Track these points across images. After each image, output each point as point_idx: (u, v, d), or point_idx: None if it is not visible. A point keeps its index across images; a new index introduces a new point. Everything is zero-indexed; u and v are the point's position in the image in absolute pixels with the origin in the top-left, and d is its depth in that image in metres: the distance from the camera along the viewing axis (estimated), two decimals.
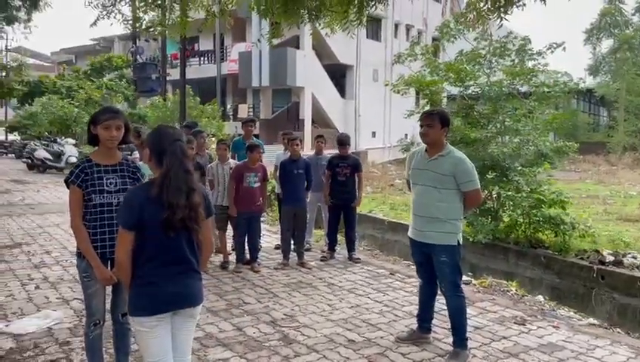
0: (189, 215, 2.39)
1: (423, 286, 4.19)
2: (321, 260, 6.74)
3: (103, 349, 3.29)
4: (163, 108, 18.86)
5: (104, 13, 5.18)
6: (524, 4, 4.70)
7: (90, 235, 3.01)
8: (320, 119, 26.37)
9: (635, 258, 7.47)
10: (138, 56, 18.44)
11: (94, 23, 5.33)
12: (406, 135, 29.29)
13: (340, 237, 7.27)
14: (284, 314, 4.74)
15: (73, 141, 20.32)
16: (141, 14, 6.21)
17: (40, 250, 7.02)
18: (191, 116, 16.66)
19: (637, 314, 6.82)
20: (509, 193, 8.49)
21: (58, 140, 20.27)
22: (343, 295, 5.34)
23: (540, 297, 6.02)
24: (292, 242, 6.63)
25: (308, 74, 24.37)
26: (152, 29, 7.46)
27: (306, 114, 25.18)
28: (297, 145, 6.57)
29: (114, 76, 29.40)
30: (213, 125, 17.79)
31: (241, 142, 7.43)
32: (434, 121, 3.87)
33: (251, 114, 26.98)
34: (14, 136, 28.99)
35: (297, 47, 24.43)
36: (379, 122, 28.42)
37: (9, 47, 35.68)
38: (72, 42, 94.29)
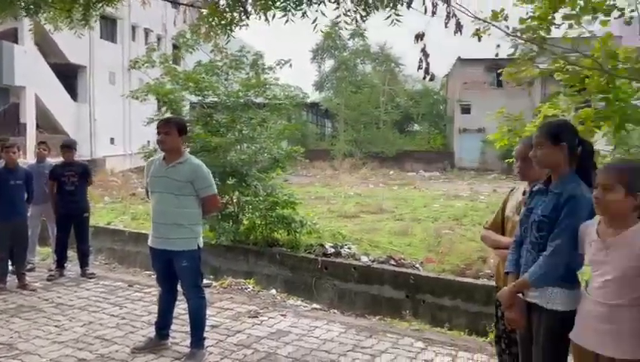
0: None
1: (163, 294, 4.19)
2: (48, 279, 6.09)
3: None
4: None
5: None
6: (247, 25, 5.12)
7: None
8: (47, 123, 23.57)
9: (349, 248, 8.77)
10: None
11: None
12: (148, 142, 28.28)
13: (73, 253, 6.68)
14: (1, 344, 4.15)
15: None
16: None
17: None
18: None
19: (352, 297, 8.02)
20: (248, 197, 9.07)
21: None
22: (73, 314, 4.94)
23: (273, 291, 6.58)
24: (10, 263, 5.83)
25: (30, 72, 21.52)
26: None
27: (29, 117, 22.18)
28: (14, 152, 5.80)
29: None
30: None
31: None
32: (171, 129, 3.93)
33: None
34: None
35: (16, 42, 21.40)
36: (118, 128, 26.82)
37: None
38: None
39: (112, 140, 26.96)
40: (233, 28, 4.65)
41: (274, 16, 4.22)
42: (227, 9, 4.58)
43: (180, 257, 3.90)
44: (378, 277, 7.82)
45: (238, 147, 9.68)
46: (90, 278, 6.22)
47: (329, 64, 40.29)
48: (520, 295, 2.65)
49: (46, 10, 4.92)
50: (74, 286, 5.91)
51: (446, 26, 4.70)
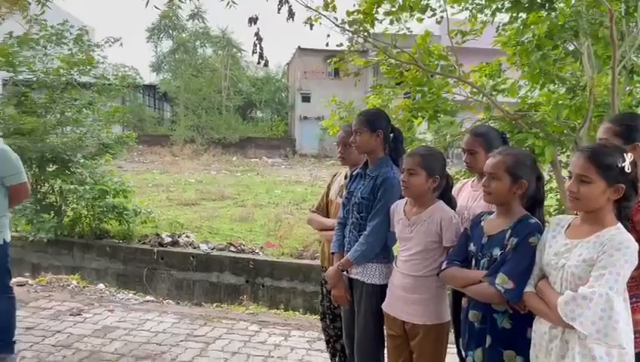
0: None
1: None
2: None
3: None
4: None
5: None
6: None
7: None
8: None
9: (188, 236, 8.55)
10: None
11: None
12: None
13: None
14: None
15: None
16: None
17: None
18: None
19: (190, 286, 7.85)
20: (72, 186, 8.29)
21: None
22: None
23: (101, 285, 6.15)
24: None
25: None
26: None
27: None
28: None
29: None
30: None
31: None
32: None
33: None
34: None
35: None
36: None
37: None
38: None
39: None
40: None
41: None
42: None
43: None
44: (218, 264, 7.77)
45: (60, 130, 8.80)
46: None
47: (167, 45, 38.53)
48: (344, 273, 2.81)
49: None
50: None
51: (279, 12, 4.77)
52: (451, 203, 2.60)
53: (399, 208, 2.65)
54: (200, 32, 37.46)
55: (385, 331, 2.70)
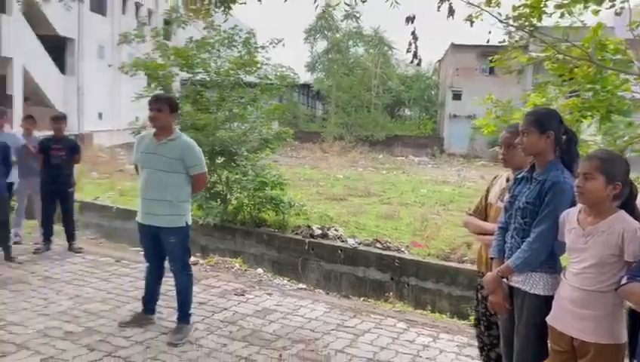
0: None
1: (150, 269, 4.22)
2: (34, 253, 6.08)
3: None
4: None
5: None
6: (245, 3, 5.06)
7: None
8: (35, 96, 23.21)
9: (337, 230, 8.84)
10: None
11: None
12: (137, 118, 28.00)
13: (58, 228, 6.66)
14: None
15: None
16: None
17: None
18: None
19: (338, 278, 8.11)
20: (237, 176, 9.07)
21: None
22: (60, 287, 4.95)
23: (260, 270, 6.64)
24: None
25: (17, 43, 21.14)
26: None
27: (16, 89, 21.86)
28: None
29: None
30: None
31: None
32: (163, 106, 3.92)
33: None
34: None
35: (3, 12, 20.95)
36: (106, 103, 26.52)
37: None
38: None
39: (99, 115, 26.68)
40: (230, 4, 4.60)
41: None
42: None
43: (168, 233, 3.93)
44: (364, 259, 7.91)
45: (228, 126, 9.64)
46: (78, 253, 6.23)
47: (321, 45, 40.01)
48: (504, 280, 2.71)
49: None
50: (60, 260, 5.91)
51: (438, 10, 4.72)
52: (635, 213, 2.36)
53: (571, 217, 2.47)
54: (353, 31, 38.26)
55: (549, 345, 2.55)
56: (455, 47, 32.39)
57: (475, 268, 3.83)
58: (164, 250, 4.02)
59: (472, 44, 28.71)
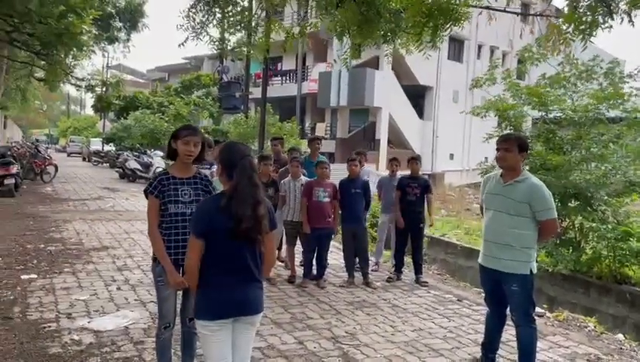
0: (254, 226, 2.53)
1: (491, 315, 4.06)
2: (387, 281, 6.70)
3: (172, 351, 3.49)
4: (244, 125, 19.64)
5: (193, 34, 5.52)
6: (611, 26, 4.50)
7: (165, 242, 3.22)
8: (396, 139, 26.27)
9: None
10: (224, 75, 19.40)
11: (183, 44, 5.69)
12: (486, 158, 28.33)
13: (408, 260, 7.19)
14: (346, 332, 4.77)
15: (161, 153, 21.59)
16: (228, 36, 6.61)
17: (124, 254, 7.52)
18: (270, 133, 17.23)
19: None
20: (593, 224, 8.05)
21: (148, 152, 21.64)
22: (406, 317, 5.28)
23: (620, 335, 5.61)
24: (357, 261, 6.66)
25: (386, 94, 24.43)
26: (237, 50, 7.89)
27: (382, 134, 25.19)
28: (355, 165, 6.57)
29: (202, 93, 30.97)
30: (290, 142, 18.28)
31: (308, 160, 7.34)
32: (511, 146, 3.77)
33: (329, 132, 27.41)
34: (110, 147, 31.13)
35: (377, 68, 24.58)
36: (457, 144, 27.84)
37: (110, 65, 38.94)
38: (166, 61, 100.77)
39: (451, 156, 28.16)
40: (593, 32, 4.17)
41: None
42: (587, 11, 4.14)
43: (510, 280, 3.71)
44: None
45: (584, 166, 8.72)
46: (423, 286, 6.56)
47: None
48: None
49: (400, 35, 5.43)
50: (408, 291, 6.33)
51: None
52: None
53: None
54: None
55: None
56: None
57: None
58: (506, 296, 3.82)
59: None
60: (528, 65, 10.52)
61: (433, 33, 4.98)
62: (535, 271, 3.80)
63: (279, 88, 29.28)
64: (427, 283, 6.66)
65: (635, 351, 5.01)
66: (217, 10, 5.09)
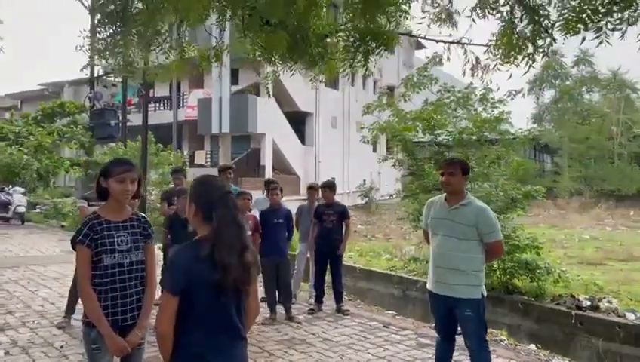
0: (242, 276, 2.17)
1: (441, 342, 4.04)
2: (309, 313, 6.50)
3: None
4: (123, 155, 18.31)
5: (97, 56, 4.95)
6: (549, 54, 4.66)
7: (101, 301, 2.72)
8: (280, 165, 26.32)
9: (610, 302, 7.65)
10: (96, 102, 17.98)
11: (85, 68, 5.11)
12: (364, 181, 29.75)
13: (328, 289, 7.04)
14: None
15: (22, 189, 19.28)
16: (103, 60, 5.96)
17: (1, 310, 6.45)
18: (152, 163, 16.25)
19: (617, 359, 6.92)
20: None
21: (5, 189, 19.19)
22: (341, 351, 5.11)
23: (532, 346, 5.99)
24: (277, 295, 6.39)
25: (268, 120, 24.46)
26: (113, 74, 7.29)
27: (267, 160, 25.10)
28: (277, 194, 6.39)
29: (66, 122, 28.38)
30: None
31: None
32: (455, 170, 3.80)
33: (209, 160, 26.66)
34: None
35: (257, 95, 24.57)
36: (338, 168, 28.65)
37: None
38: (17, 88, 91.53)
39: (333, 180, 28.84)
40: (536, 57, 4.32)
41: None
42: (529, 36, 4.24)
43: (464, 305, 3.74)
44: None
45: (472, 186, 9.35)
46: (346, 315, 6.45)
47: (548, 95, 37.41)
48: None
49: (327, 61, 5.29)
50: (333, 322, 6.17)
51: None
52: None
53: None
54: (586, 77, 35.05)
55: None
56: None
57: None
58: (458, 323, 3.84)
59: None
60: (410, 93, 11.17)
61: (364, 57, 5.01)
62: (485, 294, 3.86)
63: (153, 115, 27.79)
64: (349, 311, 6.58)
65: (549, 359, 5.36)
66: (124, 29, 4.61)
